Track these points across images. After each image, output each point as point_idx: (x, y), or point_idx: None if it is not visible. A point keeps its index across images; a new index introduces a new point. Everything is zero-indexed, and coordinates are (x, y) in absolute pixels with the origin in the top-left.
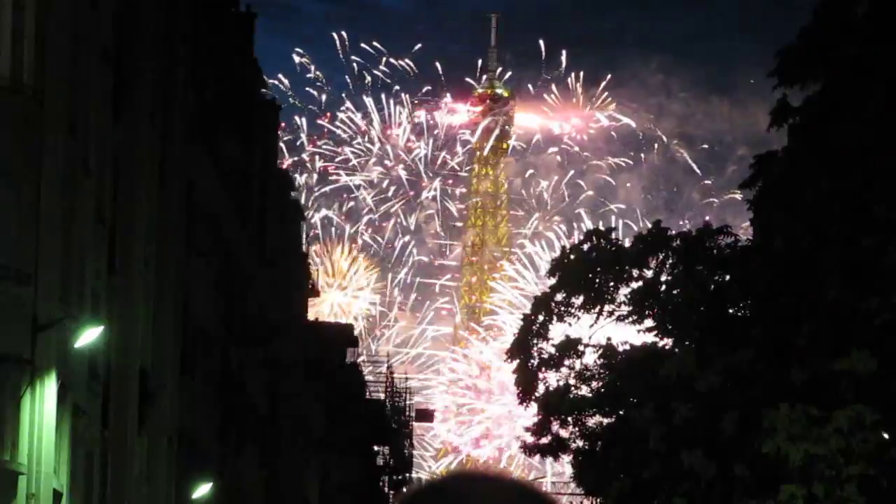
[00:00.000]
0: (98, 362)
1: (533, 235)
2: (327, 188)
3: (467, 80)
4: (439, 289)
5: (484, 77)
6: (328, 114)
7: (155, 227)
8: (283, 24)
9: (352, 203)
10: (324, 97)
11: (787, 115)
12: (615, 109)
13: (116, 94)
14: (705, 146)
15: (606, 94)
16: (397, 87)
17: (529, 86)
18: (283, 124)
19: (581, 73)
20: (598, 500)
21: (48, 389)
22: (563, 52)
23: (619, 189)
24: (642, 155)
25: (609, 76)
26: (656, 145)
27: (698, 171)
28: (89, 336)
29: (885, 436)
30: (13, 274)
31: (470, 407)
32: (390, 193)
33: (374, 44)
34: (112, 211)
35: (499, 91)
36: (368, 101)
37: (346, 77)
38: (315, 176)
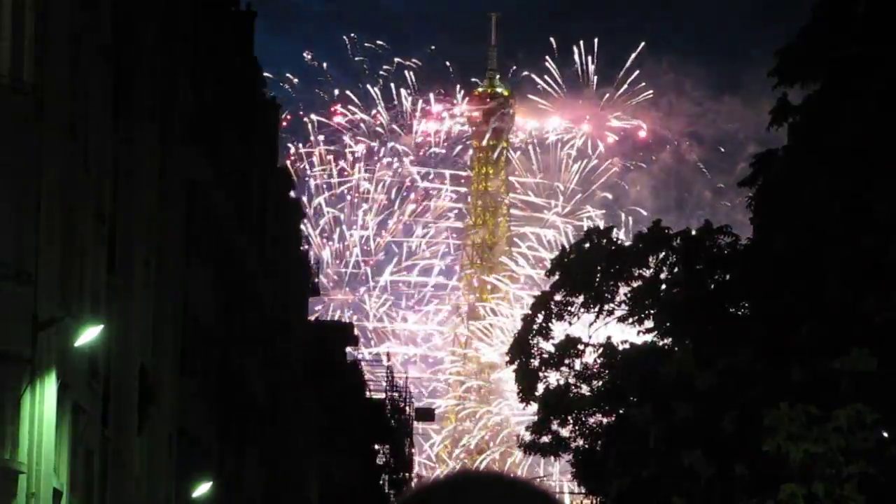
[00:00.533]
0: (98, 361)
1: (537, 234)
2: (335, 190)
3: (467, 80)
4: (440, 289)
5: (485, 77)
6: (335, 108)
7: (155, 226)
8: (282, 24)
9: (365, 206)
10: (335, 91)
11: (786, 115)
12: (626, 109)
13: (116, 93)
14: (722, 149)
15: (616, 93)
16: (399, 90)
17: (538, 80)
18: (288, 116)
19: (590, 72)
20: (598, 499)
21: (48, 388)
22: (575, 50)
23: (630, 189)
24: (653, 156)
25: (619, 75)
26: (668, 146)
27: (706, 171)
28: (89, 335)
29: (885, 434)
30: (13, 273)
31: (471, 410)
32: (394, 197)
33: (379, 41)
34: (112, 210)
35: (499, 90)
36: (374, 91)
37: (350, 78)
38: (323, 176)
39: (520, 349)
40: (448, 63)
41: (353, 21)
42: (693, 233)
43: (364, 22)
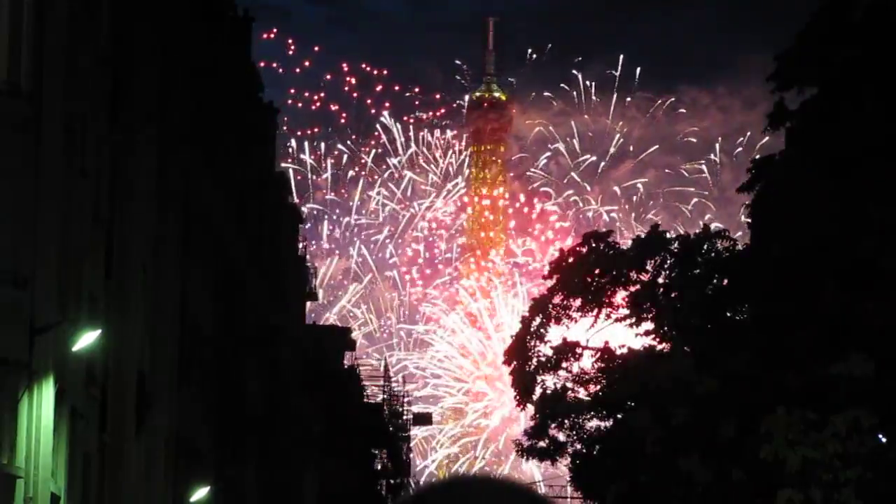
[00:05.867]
0: (96, 366)
1: (529, 243)
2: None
3: (466, 84)
4: (441, 297)
5: (482, 82)
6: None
7: (152, 231)
8: (281, 26)
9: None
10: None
11: (783, 119)
12: (629, 114)
13: (114, 98)
14: (734, 155)
15: (617, 97)
16: (398, 102)
17: (543, 88)
18: (285, 128)
19: (589, 75)
20: None
21: (46, 393)
22: (565, 55)
23: (629, 196)
24: (653, 169)
25: (622, 77)
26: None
27: (705, 174)
28: (87, 339)
29: (883, 439)
30: (10, 277)
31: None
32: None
33: (371, 53)
34: (109, 215)
35: (496, 95)
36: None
37: (345, 95)
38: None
39: (517, 351)
40: (444, 69)
41: (352, 27)
42: (691, 237)
43: (361, 32)
